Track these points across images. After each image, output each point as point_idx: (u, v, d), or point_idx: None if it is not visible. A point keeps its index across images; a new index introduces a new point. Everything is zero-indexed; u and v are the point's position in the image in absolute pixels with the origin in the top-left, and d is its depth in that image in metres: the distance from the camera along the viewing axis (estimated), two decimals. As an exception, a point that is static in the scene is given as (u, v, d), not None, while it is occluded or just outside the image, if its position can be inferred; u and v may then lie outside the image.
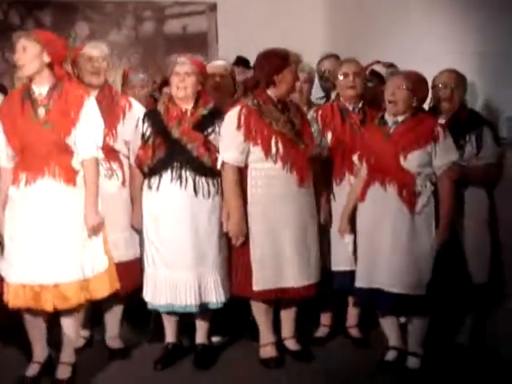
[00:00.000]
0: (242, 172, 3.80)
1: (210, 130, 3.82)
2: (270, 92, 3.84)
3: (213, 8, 7.21)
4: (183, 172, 3.75)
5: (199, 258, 3.79)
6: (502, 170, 4.01)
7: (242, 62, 5.61)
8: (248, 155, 3.79)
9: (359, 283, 3.84)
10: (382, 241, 3.75)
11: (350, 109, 4.14)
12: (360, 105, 4.15)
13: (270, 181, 3.79)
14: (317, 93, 4.96)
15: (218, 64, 4.49)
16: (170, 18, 7.25)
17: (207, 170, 3.78)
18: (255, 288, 3.82)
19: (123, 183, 3.96)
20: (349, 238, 3.93)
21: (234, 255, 3.93)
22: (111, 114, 3.90)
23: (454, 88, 4.02)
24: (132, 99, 4.14)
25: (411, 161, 3.70)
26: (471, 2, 4.37)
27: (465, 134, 3.93)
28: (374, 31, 5.83)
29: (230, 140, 3.75)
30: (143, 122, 3.86)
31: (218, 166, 3.82)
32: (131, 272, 3.90)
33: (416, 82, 3.75)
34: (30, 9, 6.92)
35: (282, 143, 3.72)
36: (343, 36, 6.52)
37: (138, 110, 4.03)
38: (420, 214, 3.71)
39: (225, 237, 3.90)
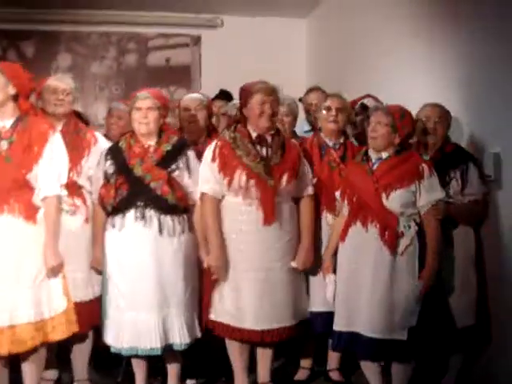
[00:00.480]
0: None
1: (173, 166, 3.71)
2: (250, 127, 3.72)
3: (197, 41, 7.21)
4: (147, 211, 3.62)
5: (163, 300, 3.65)
6: (487, 208, 3.90)
7: (224, 95, 5.53)
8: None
9: (338, 327, 3.67)
10: (361, 283, 3.59)
11: (330, 144, 4.03)
12: (341, 140, 4.03)
13: (237, 216, 3.67)
14: (304, 126, 4.90)
15: (192, 97, 4.39)
16: (153, 50, 7.23)
17: (172, 208, 3.66)
18: (211, 317, 3.71)
19: (86, 220, 3.84)
20: (331, 278, 3.76)
21: (207, 288, 3.80)
22: (76, 149, 3.81)
23: (437, 122, 3.91)
24: (98, 134, 4.06)
25: (394, 200, 3.56)
26: (455, 35, 4.26)
27: (449, 170, 3.80)
28: (357, 65, 5.78)
29: (207, 172, 3.69)
30: (105, 159, 3.75)
31: (197, 197, 3.74)
32: (91, 312, 3.76)
33: (398, 118, 3.62)
34: (12, 39, 6.91)
35: (246, 177, 3.60)
36: (327, 70, 6.49)
37: (103, 145, 3.94)
38: (402, 256, 3.55)
39: (193, 275, 3.78)
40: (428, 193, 3.57)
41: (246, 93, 3.73)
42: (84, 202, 3.84)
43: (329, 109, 3.99)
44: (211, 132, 4.33)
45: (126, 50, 7.15)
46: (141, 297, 3.63)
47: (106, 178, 3.72)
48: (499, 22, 3.78)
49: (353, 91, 4.70)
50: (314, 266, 3.85)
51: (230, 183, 3.62)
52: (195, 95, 4.44)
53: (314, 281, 3.92)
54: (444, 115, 3.93)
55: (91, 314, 3.76)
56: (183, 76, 7.16)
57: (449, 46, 4.31)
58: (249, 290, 3.65)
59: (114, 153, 3.75)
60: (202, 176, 3.70)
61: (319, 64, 6.83)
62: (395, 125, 3.59)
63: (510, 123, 3.77)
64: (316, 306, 3.91)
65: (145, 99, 3.71)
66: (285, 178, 3.69)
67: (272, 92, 3.69)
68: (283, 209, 3.71)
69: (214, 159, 3.66)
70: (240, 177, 3.62)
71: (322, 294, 3.84)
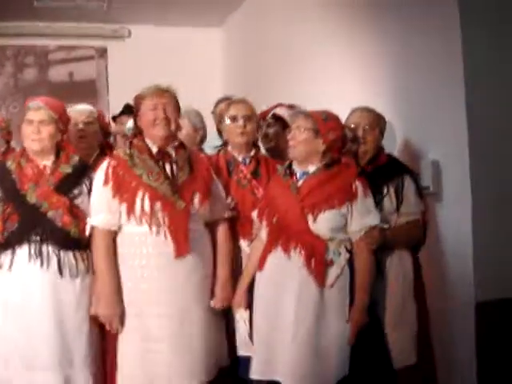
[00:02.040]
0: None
1: (76, 191, 3.15)
2: (148, 140, 3.13)
3: (102, 53, 6.84)
4: (44, 247, 3.06)
5: (65, 357, 3.07)
6: (426, 229, 3.41)
7: (130, 110, 4.92)
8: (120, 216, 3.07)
9: (255, 374, 3.07)
10: (282, 321, 3.00)
11: (240, 159, 3.45)
12: (252, 153, 3.46)
13: (141, 249, 3.04)
14: (215, 141, 4.29)
15: (80, 109, 3.84)
16: (54, 63, 6.84)
17: (75, 242, 3.10)
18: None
19: None
20: (243, 316, 3.20)
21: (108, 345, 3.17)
22: None
23: (367, 130, 3.39)
24: None
25: (322, 223, 3.00)
26: (385, 36, 3.92)
27: (382, 185, 3.28)
28: (279, 73, 5.44)
29: (98, 199, 3.09)
30: None
31: (87, 233, 3.12)
32: None
33: (320, 120, 3.07)
34: None
35: (150, 200, 3.00)
36: (246, 81, 6.17)
37: None
38: (332, 288, 2.98)
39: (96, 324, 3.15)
40: (361, 217, 3.03)
41: (136, 100, 3.15)
42: None
43: (234, 118, 3.43)
44: (104, 150, 3.78)
45: (24, 64, 6.75)
46: (37, 354, 3.04)
47: None
48: (433, 22, 3.49)
49: (275, 101, 4.33)
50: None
51: (130, 209, 3.02)
52: (83, 107, 3.89)
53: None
54: (375, 121, 3.42)
55: None
56: (89, 91, 6.76)
57: (379, 48, 3.98)
58: (161, 340, 3.03)
59: (1, 175, 3.16)
60: (93, 204, 3.11)
61: (237, 74, 6.55)
62: (317, 128, 3.04)
63: (448, 127, 3.41)
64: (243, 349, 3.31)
65: (37, 110, 3.15)
66: (197, 198, 3.09)
67: (164, 93, 3.10)
68: (197, 237, 3.11)
69: (106, 182, 3.05)
70: (142, 200, 3.01)
71: (241, 334, 3.27)
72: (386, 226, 3.16)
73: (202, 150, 4.06)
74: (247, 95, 4.47)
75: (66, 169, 3.17)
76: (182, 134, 3.79)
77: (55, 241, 3.06)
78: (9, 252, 3.07)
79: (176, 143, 3.16)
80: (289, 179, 3.11)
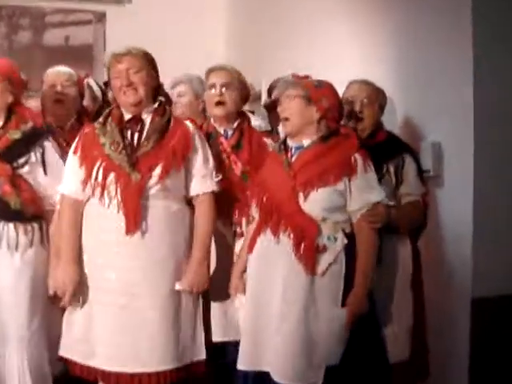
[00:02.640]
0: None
1: (22, 159, 2.95)
2: (122, 108, 2.94)
3: (101, 18, 6.49)
4: None
5: (0, 335, 2.92)
6: (426, 212, 3.22)
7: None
8: None
9: (242, 365, 2.84)
10: (269, 309, 2.77)
11: (221, 132, 3.22)
12: (235, 125, 3.22)
13: (97, 222, 2.88)
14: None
15: (59, 70, 3.63)
16: (50, 26, 6.52)
17: (15, 213, 2.93)
18: (60, 352, 2.91)
19: None
20: (242, 301, 2.97)
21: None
22: None
23: (365, 104, 3.18)
24: None
25: (314, 202, 2.74)
26: (389, 4, 3.71)
27: (381, 164, 3.06)
28: (281, 40, 5.19)
29: (67, 167, 2.95)
30: None
31: (56, 200, 2.96)
32: None
33: (312, 87, 2.83)
34: None
35: (104, 170, 2.82)
36: (249, 46, 5.91)
37: None
38: (323, 277, 2.73)
39: (45, 301, 2.98)
40: (362, 193, 2.77)
41: (106, 67, 2.98)
42: None
43: (212, 86, 3.21)
44: (81, 116, 3.58)
45: (19, 26, 6.42)
46: None
47: None
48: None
49: (276, 69, 4.21)
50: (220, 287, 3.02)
51: (86, 179, 2.85)
52: (63, 68, 3.66)
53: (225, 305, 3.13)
54: (374, 95, 3.21)
55: None
56: (85, 57, 6.42)
57: (381, 18, 3.77)
58: (102, 318, 2.84)
59: None
60: (65, 173, 2.95)
61: (239, 41, 6.27)
62: (309, 95, 2.80)
63: (452, 106, 3.23)
64: (225, 334, 3.12)
65: None
66: (157, 170, 2.84)
67: (124, 58, 2.86)
68: (160, 213, 2.86)
69: (75, 150, 2.91)
70: (98, 170, 2.83)
71: (232, 318, 3.11)
72: (391, 203, 2.93)
73: (206, 118, 3.75)
74: (249, 63, 4.37)
75: (15, 134, 2.96)
76: (184, 102, 3.64)
77: None
78: None
79: (151, 108, 2.92)
80: (282, 155, 2.87)
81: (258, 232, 2.85)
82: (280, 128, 3.27)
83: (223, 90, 3.17)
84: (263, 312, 2.79)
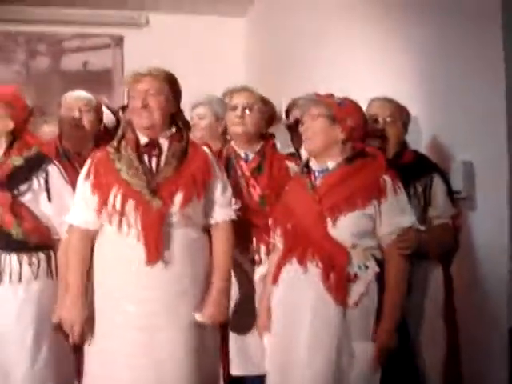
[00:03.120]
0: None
1: (24, 186, 2.84)
2: (138, 131, 2.82)
3: (119, 41, 6.48)
4: None
5: (2, 373, 2.79)
6: (458, 235, 3.09)
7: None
8: None
9: None
10: (297, 344, 2.62)
11: (242, 155, 3.13)
12: (257, 148, 3.13)
13: (114, 252, 2.73)
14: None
15: (78, 95, 3.55)
16: (68, 52, 6.57)
17: (18, 244, 2.82)
18: None
19: None
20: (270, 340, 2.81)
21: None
22: None
23: (388, 122, 3.06)
24: None
25: (343, 228, 2.60)
26: (415, 19, 3.58)
27: (408, 185, 2.91)
28: (301, 62, 5.18)
29: (77, 194, 2.81)
30: None
31: (64, 231, 2.84)
32: None
33: (335, 105, 2.69)
34: None
35: (122, 196, 2.69)
36: (269, 71, 5.87)
37: None
38: (355, 309, 2.58)
39: (51, 337, 2.84)
40: (392, 217, 2.63)
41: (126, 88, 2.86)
42: None
43: (234, 107, 3.13)
44: (100, 141, 3.44)
45: (37, 52, 6.47)
46: None
47: None
48: (469, 6, 3.19)
49: (296, 89, 4.11)
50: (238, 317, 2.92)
51: (100, 206, 2.71)
52: (81, 93, 3.58)
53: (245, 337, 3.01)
54: (397, 113, 3.09)
55: None
56: (103, 82, 6.44)
57: (406, 33, 3.64)
58: (121, 354, 2.68)
59: None
60: (74, 201, 2.82)
61: (259, 61, 6.25)
62: (332, 114, 2.67)
63: (484, 123, 3.08)
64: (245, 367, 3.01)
65: None
66: (179, 197, 2.72)
67: (143, 79, 2.74)
68: (181, 242, 2.73)
69: (87, 177, 2.77)
70: (115, 197, 2.70)
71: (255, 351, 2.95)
72: (422, 228, 2.78)
73: (226, 140, 3.67)
74: (269, 86, 4.26)
75: (17, 161, 2.87)
76: (203, 124, 3.55)
77: None
78: None
79: (168, 133, 2.80)
80: (305, 178, 2.73)
81: (283, 261, 2.69)
82: (303, 149, 3.15)
83: (246, 111, 3.09)
84: (291, 347, 2.64)
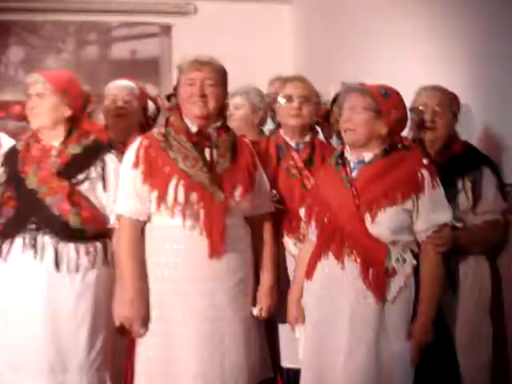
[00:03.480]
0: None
1: (81, 176, 2.83)
2: (187, 118, 2.76)
3: (167, 30, 6.50)
4: (39, 237, 2.78)
5: (59, 361, 2.78)
6: (508, 231, 2.94)
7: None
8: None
9: None
10: (334, 343, 2.57)
11: (293, 145, 3.06)
12: (307, 139, 3.06)
13: (171, 245, 2.67)
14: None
15: (120, 84, 3.51)
16: (116, 40, 6.67)
17: (76, 233, 2.80)
18: None
19: None
20: (301, 331, 2.76)
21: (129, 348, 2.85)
22: None
23: (437, 112, 2.92)
24: (3, 135, 3.28)
25: (381, 223, 2.53)
26: (462, 6, 3.47)
27: (456, 178, 2.84)
28: (349, 50, 5.06)
29: (125, 184, 2.74)
30: (1, 165, 2.94)
31: (111, 222, 2.82)
32: None
33: (380, 98, 2.59)
34: None
35: (185, 189, 2.63)
36: (317, 58, 5.80)
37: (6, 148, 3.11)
38: (393, 304, 2.53)
39: (108, 326, 2.84)
40: (430, 213, 2.55)
41: (178, 71, 2.79)
42: None
43: (289, 98, 3.03)
44: (144, 130, 3.39)
45: (86, 41, 6.58)
46: (26, 356, 2.76)
47: None
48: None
49: (346, 79, 4.06)
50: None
51: (160, 198, 2.65)
52: (124, 82, 3.54)
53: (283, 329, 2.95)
54: (447, 102, 2.95)
55: None
56: (151, 70, 6.46)
57: (458, 17, 3.50)
58: (186, 351, 2.66)
59: (9, 157, 2.94)
60: (119, 190, 2.77)
61: (306, 52, 6.17)
62: (378, 107, 2.57)
63: None
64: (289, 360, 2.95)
65: (35, 84, 2.86)
66: (238, 190, 2.71)
67: (203, 67, 2.70)
68: (236, 234, 2.73)
69: (136, 164, 2.69)
70: (176, 189, 2.64)
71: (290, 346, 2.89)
72: (458, 225, 2.71)
73: (262, 132, 3.70)
74: (316, 74, 4.17)
75: (75, 149, 2.87)
76: (239, 114, 3.53)
77: (52, 230, 2.78)
78: (8, 241, 2.83)
79: (218, 124, 2.77)
80: (341, 170, 2.65)
81: (317, 256, 2.63)
82: (334, 141, 3.08)
83: (302, 103, 3.01)
84: (327, 345, 2.59)
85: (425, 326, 2.54)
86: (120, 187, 2.76)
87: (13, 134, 3.47)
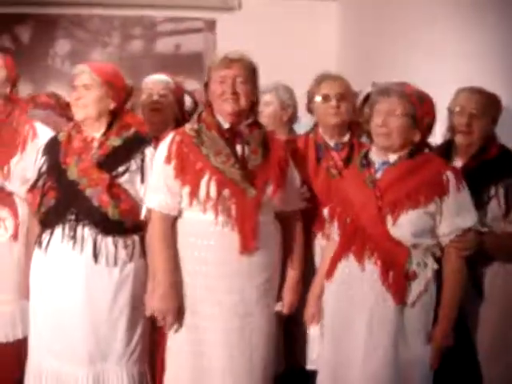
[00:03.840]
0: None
1: (121, 168, 2.86)
2: (219, 115, 2.76)
3: (211, 25, 6.51)
4: (79, 228, 2.81)
5: (97, 351, 2.84)
6: None
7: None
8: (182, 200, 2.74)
9: None
10: (352, 345, 2.54)
11: (332, 144, 3.04)
12: (346, 138, 3.04)
13: (203, 240, 2.69)
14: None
15: (156, 79, 3.53)
16: (161, 35, 6.58)
17: (115, 225, 2.83)
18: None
19: (14, 237, 3.12)
20: (316, 332, 2.76)
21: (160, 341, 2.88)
22: (5, 144, 3.13)
23: (474, 115, 2.84)
24: (39, 125, 3.26)
25: (403, 225, 2.49)
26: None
27: (489, 184, 2.76)
28: (392, 50, 5.03)
29: (156, 178, 2.76)
30: (41, 156, 2.97)
31: (142, 216, 2.82)
32: (19, 355, 3.02)
33: (417, 104, 2.54)
34: (6, 23, 6.35)
35: (217, 185, 2.65)
36: (359, 58, 5.76)
37: (46, 139, 3.13)
38: (413, 308, 2.49)
39: (145, 318, 2.88)
40: (454, 216, 2.50)
41: (208, 68, 2.81)
42: (14, 213, 3.14)
43: (326, 97, 3.01)
44: (180, 124, 3.38)
45: (131, 35, 6.50)
46: (67, 345, 2.82)
47: (37, 179, 2.92)
48: None
49: (390, 78, 3.75)
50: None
51: (193, 194, 2.67)
52: (160, 76, 3.56)
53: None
54: (486, 105, 2.85)
55: (21, 359, 3.00)
56: (195, 65, 6.40)
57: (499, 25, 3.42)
58: (215, 346, 2.69)
59: (50, 148, 2.97)
60: (151, 184, 2.79)
61: (352, 50, 6.11)
62: (415, 113, 2.52)
63: None
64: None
65: (81, 74, 2.90)
66: (270, 187, 2.71)
67: (234, 64, 2.71)
68: (266, 230, 2.73)
69: (168, 160, 2.71)
70: (208, 184, 2.65)
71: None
72: (483, 230, 2.63)
73: (292, 130, 3.70)
74: (362, 72, 4.10)
75: (115, 141, 2.89)
76: (268, 111, 3.52)
77: (91, 222, 2.81)
78: (48, 231, 2.87)
79: (250, 121, 2.78)
80: (365, 171, 2.61)
81: (338, 257, 2.61)
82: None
83: (339, 101, 3.01)
84: (345, 346, 2.57)
85: (445, 329, 2.50)
86: (151, 181, 2.79)
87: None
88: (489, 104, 2.88)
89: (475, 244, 2.55)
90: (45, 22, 6.34)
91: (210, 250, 2.67)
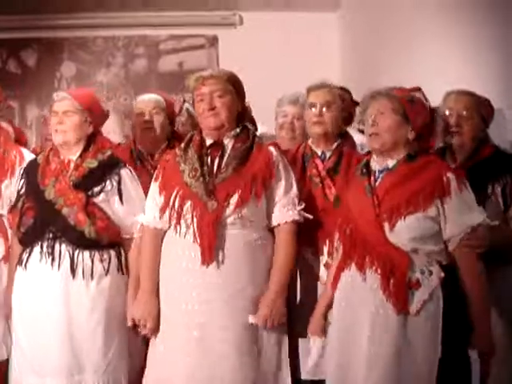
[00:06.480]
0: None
1: (97, 188, 2.96)
2: (204, 132, 2.85)
3: (213, 42, 6.55)
4: (56, 245, 2.93)
5: (75, 364, 2.90)
6: None
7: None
8: None
9: None
10: (355, 354, 2.50)
11: (319, 153, 3.00)
12: (334, 147, 2.99)
13: (175, 252, 2.79)
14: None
15: (147, 98, 3.60)
16: (164, 53, 6.63)
17: (91, 242, 2.94)
18: None
19: (6, 259, 3.20)
20: (316, 342, 2.76)
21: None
22: None
23: (463, 116, 2.84)
24: (25, 150, 3.41)
25: (401, 232, 2.45)
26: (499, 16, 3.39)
27: (485, 184, 2.75)
28: (396, 59, 5.04)
29: (149, 195, 2.92)
30: (21, 177, 3.10)
31: (136, 231, 2.97)
32: (4, 375, 3.08)
33: (407, 103, 2.53)
34: (12, 48, 6.47)
35: (180, 198, 2.75)
36: (362, 67, 5.79)
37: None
38: (417, 317, 2.43)
39: (121, 329, 2.96)
40: (460, 216, 2.45)
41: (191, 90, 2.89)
42: (4, 235, 3.24)
43: (312, 105, 3.00)
44: (172, 142, 3.50)
45: (135, 54, 6.56)
46: (45, 358, 2.90)
47: (17, 200, 3.05)
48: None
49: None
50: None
51: (164, 207, 2.80)
52: (150, 96, 3.64)
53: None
54: (474, 106, 2.86)
55: (6, 378, 3.07)
56: (199, 82, 6.35)
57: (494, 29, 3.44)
58: (178, 353, 2.73)
59: (29, 170, 3.09)
60: (146, 202, 2.93)
61: (353, 61, 6.12)
62: (405, 112, 2.51)
63: None
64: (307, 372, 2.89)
65: (61, 101, 3.02)
66: (234, 198, 2.71)
67: (207, 81, 2.76)
68: (238, 242, 2.73)
69: (156, 178, 2.89)
70: (175, 198, 2.77)
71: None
72: (495, 223, 2.55)
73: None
74: (365, 81, 4.10)
75: (91, 164, 3.00)
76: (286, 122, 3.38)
77: (68, 239, 2.92)
78: (28, 249, 2.98)
79: (237, 131, 2.80)
80: (365, 179, 2.58)
81: (341, 267, 2.59)
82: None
83: (323, 109, 2.98)
84: (349, 356, 2.53)
85: (484, 333, 2.45)
86: (147, 199, 2.91)
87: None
88: (477, 104, 2.88)
89: (487, 239, 2.49)
90: (50, 45, 6.45)
91: (176, 260, 2.76)
